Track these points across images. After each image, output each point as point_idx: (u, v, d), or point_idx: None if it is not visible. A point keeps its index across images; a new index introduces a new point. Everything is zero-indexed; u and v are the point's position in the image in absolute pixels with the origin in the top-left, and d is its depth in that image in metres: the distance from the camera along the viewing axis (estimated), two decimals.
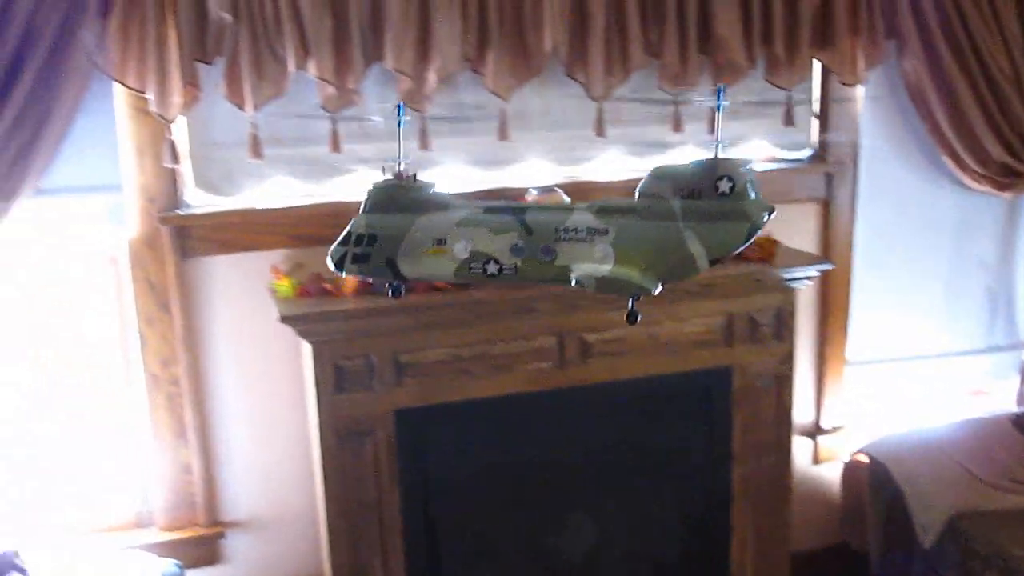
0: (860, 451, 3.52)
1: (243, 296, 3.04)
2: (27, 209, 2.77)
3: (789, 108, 3.28)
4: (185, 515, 3.13)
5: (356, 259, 1.49)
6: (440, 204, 1.47)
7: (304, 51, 2.77)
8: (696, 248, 1.37)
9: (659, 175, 1.40)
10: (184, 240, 2.98)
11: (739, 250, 1.39)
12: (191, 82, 2.74)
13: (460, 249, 1.43)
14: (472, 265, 1.43)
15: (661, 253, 1.38)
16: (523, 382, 2.96)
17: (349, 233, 1.49)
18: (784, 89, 3.24)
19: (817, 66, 3.41)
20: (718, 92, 1.41)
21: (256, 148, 2.87)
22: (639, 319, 1.44)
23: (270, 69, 2.78)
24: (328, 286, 2.85)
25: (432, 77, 2.88)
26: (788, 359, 3.20)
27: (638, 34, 3.00)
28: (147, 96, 2.72)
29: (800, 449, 3.62)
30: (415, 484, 2.95)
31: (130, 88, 2.72)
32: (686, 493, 3.28)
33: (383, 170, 1.50)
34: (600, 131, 3.11)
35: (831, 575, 3.76)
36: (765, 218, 1.37)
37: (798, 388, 3.42)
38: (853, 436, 3.67)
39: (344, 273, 1.52)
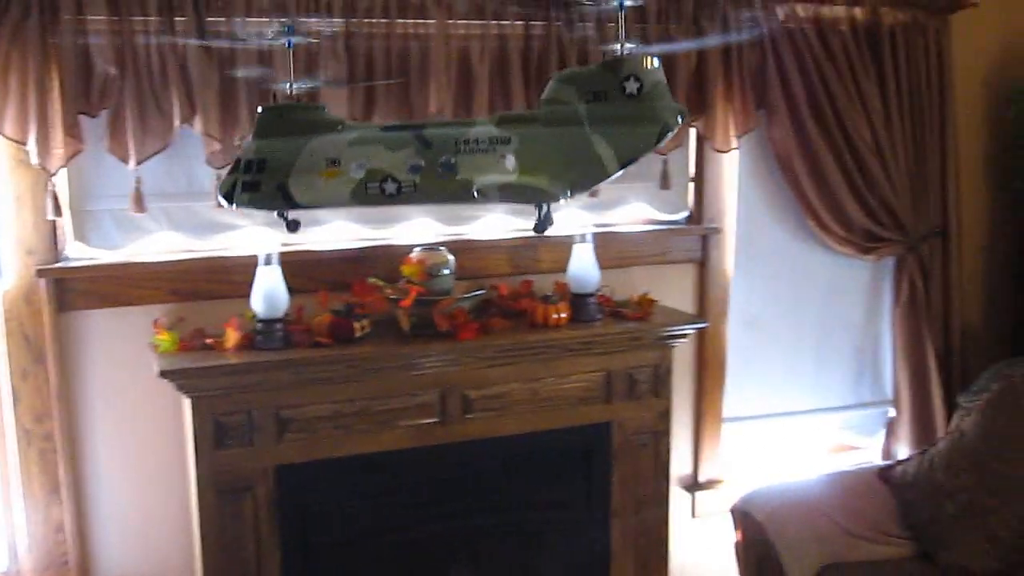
0: (735, 506, 3.61)
1: (123, 350, 3.00)
2: None
3: (666, 172, 3.41)
4: (56, 575, 3.05)
5: (246, 187, 1.42)
6: (332, 124, 1.41)
7: (190, 107, 2.79)
8: (605, 151, 1.32)
9: (563, 78, 1.36)
10: (63, 293, 2.93)
11: (649, 151, 1.33)
12: (73, 134, 2.73)
13: (355, 169, 1.37)
14: (369, 185, 1.37)
15: (568, 159, 1.34)
16: (406, 438, 2.98)
17: (238, 160, 1.41)
18: (661, 154, 3.37)
19: (693, 132, 3.55)
20: None
21: (139, 202, 2.86)
22: (547, 228, 1.39)
23: (155, 123, 2.79)
24: (210, 341, 2.84)
25: None
26: (666, 415, 3.29)
27: (521, 95, 3.09)
28: (26, 147, 2.69)
29: (679, 503, 3.70)
30: (295, 542, 2.92)
31: (8, 138, 2.69)
32: (568, 549, 3.31)
33: (272, 95, 1.45)
34: None
35: None
36: (679, 120, 1.34)
37: (676, 443, 3.51)
38: (730, 490, 3.77)
39: (235, 205, 1.42)
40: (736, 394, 3.85)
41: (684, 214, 3.66)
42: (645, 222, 3.60)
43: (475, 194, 1.33)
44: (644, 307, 3.23)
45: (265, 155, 1.40)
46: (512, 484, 3.19)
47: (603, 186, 3.32)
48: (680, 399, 3.62)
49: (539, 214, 1.39)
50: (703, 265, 3.70)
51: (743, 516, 3.51)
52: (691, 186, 3.66)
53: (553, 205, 1.43)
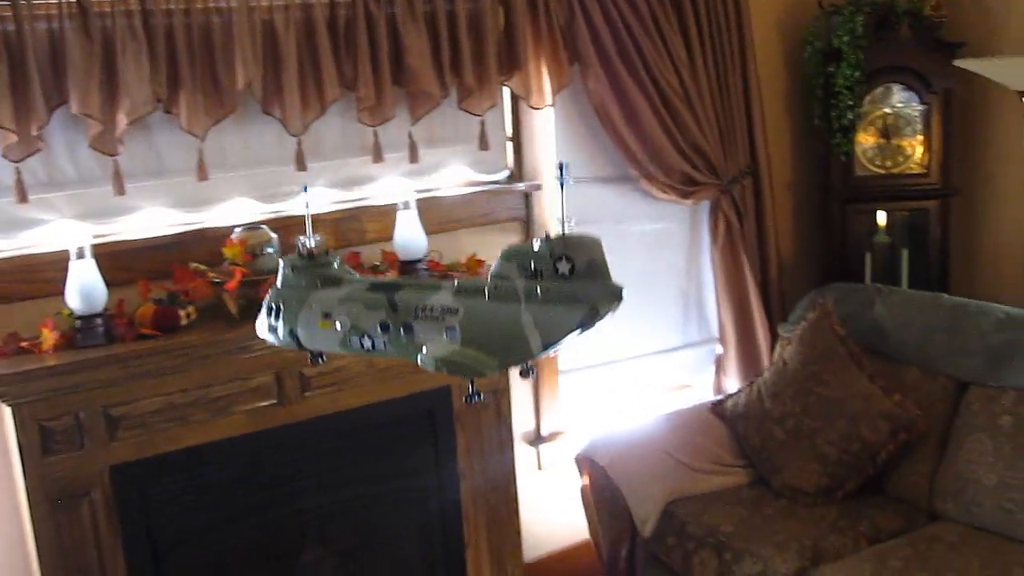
0: (579, 455, 3.69)
1: None
2: None
3: (484, 133, 3.42)
4: None
5: (270, 329, 1.60)
6: (335, 279, 1.56)
7: None
8: (531, 332, 1.35)
9: (506, 255, 1.39)
10: None
11: (575, 335, 1.35)
12: None
13: (341, 324, 1.50)
14: (351, 339, 1.50)
15: (499, 335, 1.37)
16: (245, 423, 2.92)
17: (265, 305, 1.59)
18: (477, 115, 3.38)
19: (508, 91, 3.57)
20: (560, 168, 1.38)
21: None
22: (474, 401, 1.49)
23: None
24: (25, 344, 2.70)
25: (122, 119, 2.79)
26: (504, 373, 3.32)
27: (332, 68, 3.04)
28: None
29: (524, 458, 3.76)
30: (140, 543, 2.83)
31: None
32: (420, 513, 3.33)
33: (296, 245, 1.59)
34: (301, 166, 3.12)
35: (570, 574, 3.94)
36: (612, 306, 1.35)
37: (517, 400, 3.55)
38: (573, 440, 3.85)
39: (269, 341, 1.60)
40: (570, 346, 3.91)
41: (505, 174, 3.69)
42: (467, 184, 3.60)
43: (419, 361, 1.43)
44: (473, 268, 3.25)
45: (280, 303, 1.58)
46: (359, 457, 3.17)
47: (422, 150, 3.37)
48: None
49: (470, 387, 1.48)
50: (528, 223, 3.74)
51: (587, 463, 3.59)
52: (509, 145, 3.68)
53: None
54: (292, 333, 1.57)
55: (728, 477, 3.55)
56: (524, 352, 1.37)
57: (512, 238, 3.70)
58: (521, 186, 3.67)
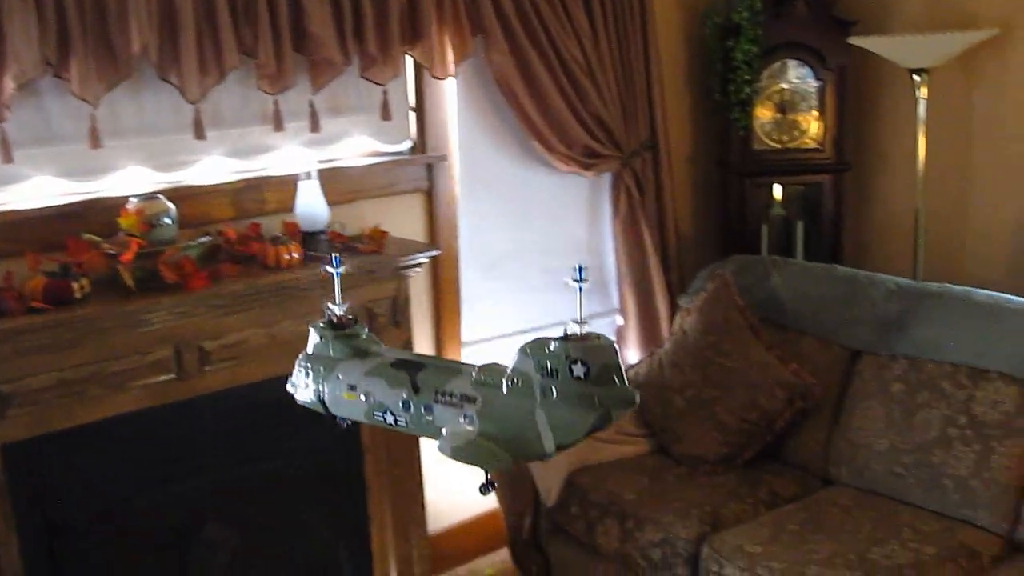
0: None
1: None
2: None
3: (386, 103, 3.38)
4: None
5: (299, 388, 1.66)
6: (361, 351, 1.59)
7: None
8: (545, 431, 1.36)
9: (525, 351, 1.39)
10: None
11: (583, 438, 1.36)
12: None
13: (365, 397, 1.54)
14: (375, 413, 1.53)
15: (514, 431, 1.38)
16: (142, 398, 2.83)
17: (296, 366, 1.65)
18: (380, 84, 3.33)
19: (411, 61, 3.52)
20: (579, 270, 1.38)
21: None
22: (491, 491, 1.48)
23: None
24: None
25: (8, 84, 2.68)
26: (407, 345, 3.30)
27: (231, 33, 2.96)
28: None
29: None
30: (35, 525, 2.73)
31: None
32: (324, 488, 3.29)
33: (323, 311, 1.63)
34: (200, 134, 3.04)
35: (475, 545, 3.96)
36: (625, 408, 1.34)
37: None
38: None
39: (299, 400, 1.67)
40: (473, 318, 3.92)
41: (407, 144, 3.65)
42: (369, 155, 3.56)
43: (438, 446, 1.46)
44: (376, 240, 3.20)
45: (310, 369, 1.63)
46: (260, 431, 3.11)
47: (324, 120, 3.31)
48: (420, 328, 3.64)
49: (485, 478, 1.49)
50: (430, 194, 3.71)
51: None
52: (412, 116, 3.65)
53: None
54: (320, 399, 1.62)
55: (630, 446, 3.59)
56: (538, 451, 1.38)
57: (415, 209, 3.67)
58: (424, 157, 3.64)
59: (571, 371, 1.34)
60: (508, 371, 1.42)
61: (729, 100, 4.12)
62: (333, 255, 1.65)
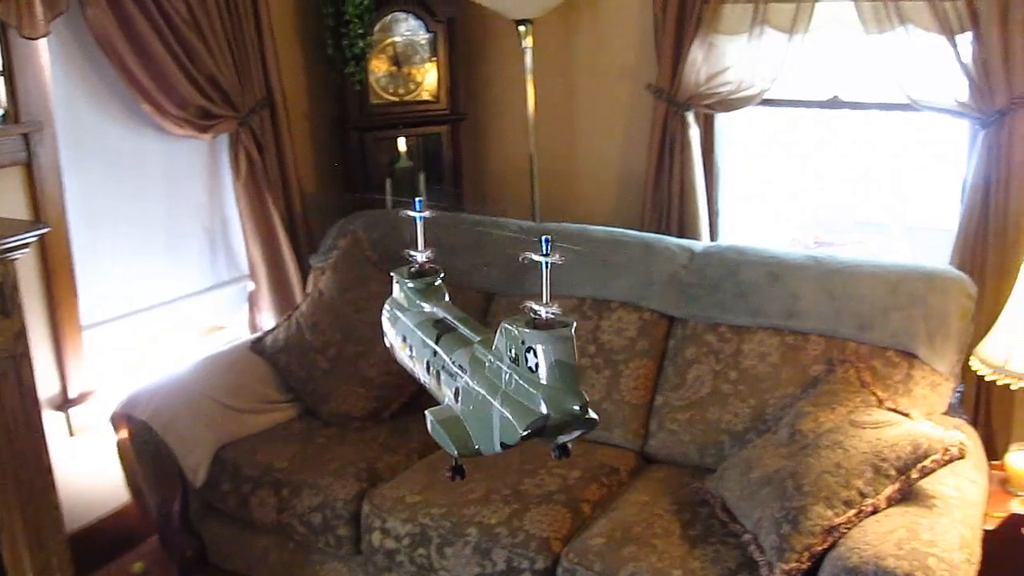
0: (115, 413, 3.45)
1: None
2: None
3: None
4: None
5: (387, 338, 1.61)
6: (423, 301, 1.55)
7: None
8: (497, 423, 1.26)
9: (501, 329, 1.27)
10: None
11: (520, 442, 1.21)
12: None
13: (410, 351, 1.52)
14: (416, 368, 1.51)
15: (478, 417, 1.29)
16: None
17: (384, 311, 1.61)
18: None
19: None
20: (543, 242, 1.29)
21: None
22: (458, 478, 1.42)
23: None
24: None
25: None
26: (21, 335, 2.98)
27: None
28: None
29: (53, 425, 3.45)
30: None
31: None
32: None
33: (406, 258, 1.59)
34: None
35: (122, 539, 3.72)
36: (567, 419, 1.19)
37: (38, 362, 3.23)
38: (107, 399, 3.59)
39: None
40: (93, 298, 3.64)
41: None
42: None
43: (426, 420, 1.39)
44: None
45: (384, 319, 1.62)
46: None
47: None
48: (33, 316, 3.32)
49: (453, 463, 1.41)
50: (30, 166, 3.37)
51: (126, 420, 3.37)
52: (1, 80, 3.29)
53: None
54: (390, 348, 1.62)
55: (276, 414, 3.52)
56: (488, 445, 1.30)
57: (14, 185, 3.33)
58: (19, 127, 3.30)
59: (526, 359, 1.23)
60: (493, 349, 1.32)
61: (343, 55, 4.08)
62: (416, 199, 1.57)
